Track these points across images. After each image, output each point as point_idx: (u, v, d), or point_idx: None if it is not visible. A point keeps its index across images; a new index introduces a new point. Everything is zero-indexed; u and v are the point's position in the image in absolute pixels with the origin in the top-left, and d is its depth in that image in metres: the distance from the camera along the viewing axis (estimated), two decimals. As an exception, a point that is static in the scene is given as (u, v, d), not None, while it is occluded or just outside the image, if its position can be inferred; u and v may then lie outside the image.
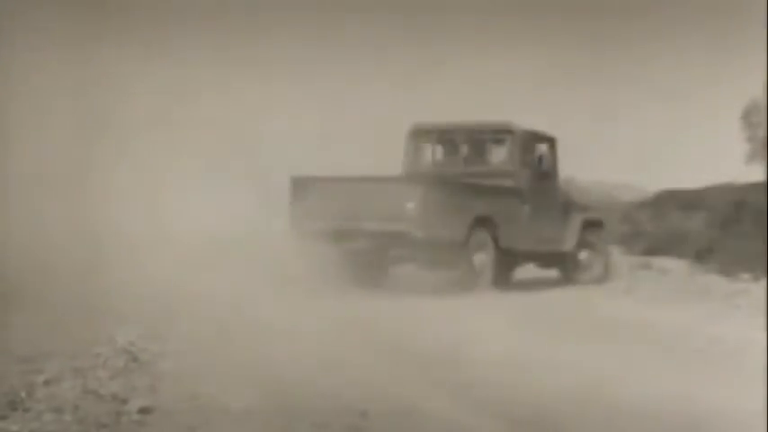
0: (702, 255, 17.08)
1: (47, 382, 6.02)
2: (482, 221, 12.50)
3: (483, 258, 12.49)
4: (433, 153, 13.96)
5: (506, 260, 13.43)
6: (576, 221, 14.14)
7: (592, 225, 14.40)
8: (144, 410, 5.54)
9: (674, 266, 17.08)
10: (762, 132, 30.19)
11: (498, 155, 13.65)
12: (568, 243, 13.99)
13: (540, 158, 13.74)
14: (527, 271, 14.70)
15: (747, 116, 30.76)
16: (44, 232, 12.43)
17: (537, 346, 8.36)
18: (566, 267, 14.15)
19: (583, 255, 14.16)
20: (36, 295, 9.65)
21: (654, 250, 20.73)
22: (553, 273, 14.44)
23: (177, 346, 7.49)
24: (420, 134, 13.94)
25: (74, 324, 8.14)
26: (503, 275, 13.75)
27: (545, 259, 14.24)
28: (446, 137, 13.93)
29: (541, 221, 13.53)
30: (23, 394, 5.72)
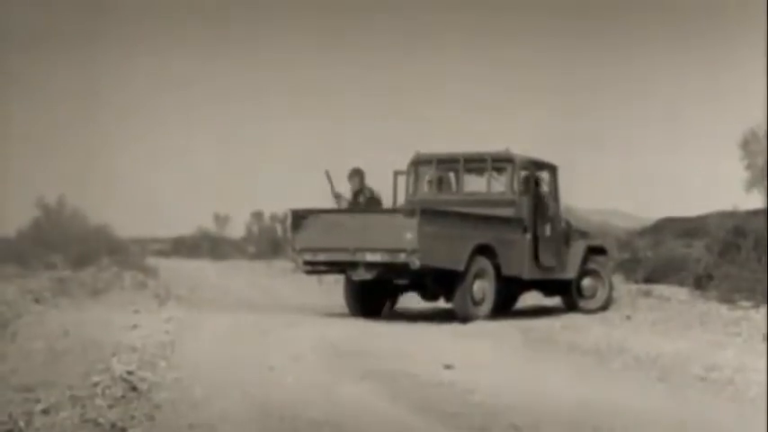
0: (702, 282, 17.05)
1: (45, 411, 6.01)
2: (483, 250, 12.50)
3: (485, 287, 12.49)
4: (433, 182, 13.96)
5: (509, 288, 13.44)
6: (579, 249, 14.15)
7: (595, 252, 14.42)
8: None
9: (674, 294, 17.06)
10: (761, 161, 30.27)
11: (499, 183, 13.65)
12: (571, 271, 13.99)
13: (542, 186, 13.78)
14: (531, 298, 14.70)
15: (746, 144, 30.88)
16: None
17: (534, 373, 8.36)
18: (569, 295, 14.15)
19: (586, 282, 14.16)
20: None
21: (653, 278, 20.72)
22: (557, 300, 14.45)
23: (176, 374, 7.49)
24: (421, 163, 13.94)
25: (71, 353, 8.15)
26: (505, 304, 13.75)
27: (548, 287, 14.24)
28: (447, 166, 13.93)
29: (544, 249, 13.52)
30: (22, 423, 5.71)
